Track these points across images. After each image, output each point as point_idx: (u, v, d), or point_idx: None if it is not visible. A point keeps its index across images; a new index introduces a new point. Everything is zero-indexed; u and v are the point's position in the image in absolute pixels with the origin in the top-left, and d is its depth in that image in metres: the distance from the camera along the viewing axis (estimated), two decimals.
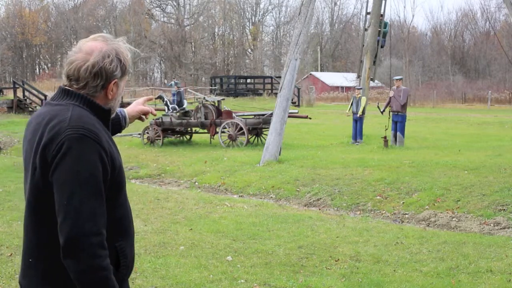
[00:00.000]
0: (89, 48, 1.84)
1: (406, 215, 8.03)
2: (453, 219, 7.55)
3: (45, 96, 26.18)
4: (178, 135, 16.69)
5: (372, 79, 16.78)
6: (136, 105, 2.44)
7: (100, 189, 1.74)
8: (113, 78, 1.87)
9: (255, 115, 16.18)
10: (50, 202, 1.74)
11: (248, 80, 47.99)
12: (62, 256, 1.70)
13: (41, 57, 67.35)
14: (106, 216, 1.77)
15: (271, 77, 43.54)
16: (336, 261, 5.44)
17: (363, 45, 16.86)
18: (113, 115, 1.99)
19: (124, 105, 33.68)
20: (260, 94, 41.07)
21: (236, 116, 15.69)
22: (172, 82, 30.82)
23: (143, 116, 2.45)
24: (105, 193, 1.78)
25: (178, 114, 16.44)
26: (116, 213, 1.88)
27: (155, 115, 2.48)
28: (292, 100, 23.18)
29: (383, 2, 16.16)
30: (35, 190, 1.79)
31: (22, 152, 1.91)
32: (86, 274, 1.69)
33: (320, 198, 9.12)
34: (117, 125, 2.34)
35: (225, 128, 15.01)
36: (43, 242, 1.81)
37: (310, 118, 16.36)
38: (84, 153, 1.72)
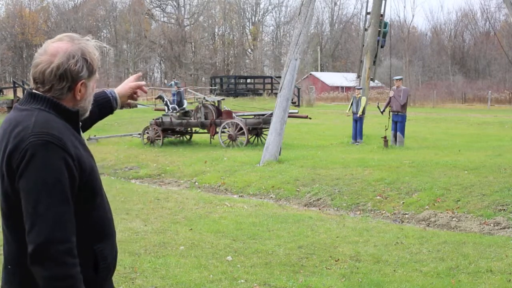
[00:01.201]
0: (54, 50, 1.80)
1: (406, 215, 8.02)
2: (453, 219, 7.54)
3: None
4: (178, 135, 16.69)
5: (372, 79, 16.78)
6: (127, 83, 2.36)
7: (67, 195, 1.71)
8: (79, 79, 1.82)
9: (255, 115, 16.18)
10: (21, 209, 1.72)
11: (248, 80, 47.97)
12: (30, 263, 1.68)
13: None
14: (74, 222, 1.73)
15: (271, 77, 43.51)
16: (336, 261, 5.44)
17: (363, 45, 16.86)
18: (85, 116, 1.94)
19: (124, 105, 33.60)
20: (260, 94, 41.05)
21: (236, 116, 15.69)
22: (172, 82, 30.83)
23: (135, 95, 2.35)
24: (74, 198, 1.75)
25: (178, 114, 16.43)
26: (93, 216, 1.86)
27: (146, 92, 2.39)
28: (292, 100, 23.16)
29: (383, 2, 16.16)
30: (6, 197, 1.77)
31: None
32: (53, 282, 1.67)
33: (320, 198, 9.12)
34: (108, 108, 2.27)
35: (225, 128, 15.01)
36: (19, 248, 1.78)
37: (310, 118, 16.35)
38: (48, 159, 1.69)
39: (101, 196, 1.91)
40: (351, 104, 15.65)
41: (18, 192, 1.72)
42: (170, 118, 15.92)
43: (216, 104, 16.09)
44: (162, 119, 15.93)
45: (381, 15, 16.26)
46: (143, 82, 2.37)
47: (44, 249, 1.66)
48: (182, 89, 25.16)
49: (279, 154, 11.78)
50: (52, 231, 1.66)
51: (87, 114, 1.95)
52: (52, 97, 1.81)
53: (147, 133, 15.90)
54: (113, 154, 14.43)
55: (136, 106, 31.80)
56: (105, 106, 2.24)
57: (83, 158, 1.81)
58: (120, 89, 2.33)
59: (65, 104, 1.84)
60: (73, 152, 1.76)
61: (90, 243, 1.82)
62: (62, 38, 1.85)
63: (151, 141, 15.73)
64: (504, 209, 7.50)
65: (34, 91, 1.84)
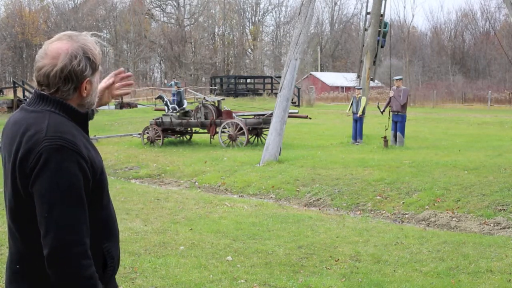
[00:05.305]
0: (55, 52, 1.79)
1: (406, 215, 8.02)
2: (453, 219, 7.55)
3: None
4: (178, 135, 16.69)
5: (372, 79, 16.77)
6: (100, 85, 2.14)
7: (81, 198, 1.73)
8: (84, 78, 1.82)
9: (255, 115, 16.18)
10: (33, 210, 1.73)
11: (248, 80, 47.98)
12: (47, 267, 1.70)
13: None
14: (88, 225, 1.75)
15: (271, 77, 43.52)
16: (336, 261, 5.44)
17: (363, 45, 16.85)
18: (93, 106, 1.94)
19: (124, 105, 33.39)
20: (260, 94, 41.07)
21: (236, 116, 15.69)
22: (172, 82, 30.84)
23: (117, 91, 2.16)
24: (88, 198, 1.76)
25: (178, 114, 16.43)
26: (101, 215, 1.88)
27: (130, 75, 2.22)
28: (292, 100, 23.17)
29: (383, 2, 16.16)
30: (17, 199, 1.77)
31: (1, 158, 1.88)
32: (71, 285, 1.70)
33: (320, 198, 9.12)
34: None
35: (225, 128, 15.02)
36: (29, 248, 1.80)
37: (310, 118, 16.36)
38: (63, 163, 1.70)
39: (107, 196, 1.94)
40: (351, 104, 15.65)
41: (30, 194, 1.73)
42: (170, 118, 15.92)
43: (216, 104, 16.08)
44: (162, 119, 15.92)
45: (381, 15, 16.25)
46: (120, 70, 2.22)
47: (60, 252, 1.68)
48: (182, 89, 25.18)
49: (279, 154, 11.78)
50: (67, 235, 1.68)
51: (94, 105, 1.96)
52: (61, 99, 1.82)
53: (147, 133, 15.90)
54: (113, 154, 14.44)
55: (136, 106, 31.84)
56: None
57: (95, 159, 1.83)
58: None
59: (73, 103, 1.85)
60: (86, 154, 1.77)
61: (99, 242, 1.84)
62: (61, 37, 1.84)
63: (151, 141, 15.73)
64: (504, 209, 7.50)
65: (42, 92, 1.84)
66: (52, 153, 1.69)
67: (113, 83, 2.17)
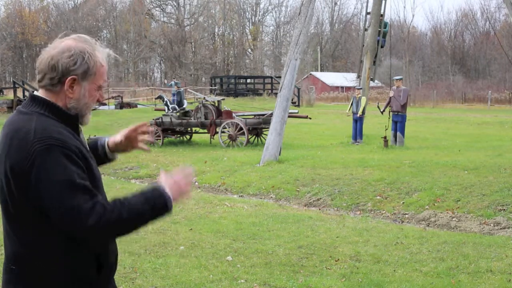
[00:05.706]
0: (57, 44, 1.84)
1: (406, 215, 8.02)
2: (453, 219, 7.54)
3: None
4: (178, 135, 16.69)
5: (372, 79, 16.77)
6: (124, 129, 2.30)
7: (84, 184, 1.74)
8: (69, 74, 1.81)
9: (255, 115, 16.19)
10: (28, 210, 1.74)
11: (248, 80, 48.02)
12: None
13: None
14: (102, 195, 1.80)
15: (271, 77, 43.55)
16: (336, 261, 5.44)
17: (363, 45, 16.86)
18: (85, 121, 1.93)
19: (124, 105, 33.28)
20: (260, 94, 41.09)
21: (236, 116, 15.69)
22: (172, 82, 30.86)
23: (140, 145, 2.28)
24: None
25: (178, 114, 16.44)
26: None
27: (151, 131, 2.29)
28: (292, 100, 23.17)
29: (383, 2, 16.16)
30: (11, 198, 1.77)
31: None
32: (128, 231, 1.83)
33: (320, 198, 9.11)
34: (96, 156, 2.15)
35: (225, 128, 15.02)
36: (24, 248, 1.80)
37: (310, 118, 16.36)
38: (55, 161, 1.71)
39: (103, 195, 1.93)
40: (351, 104, 15.65)
41: (25, 195, 1.73)
42: (170, 118, 15.92)
43: (216, 104, 16.09)
44: (162, 119, 15.92)
45: (381, 15, 16.26)
46: (143, 123, 2.31)
47: (95, 234, 1.75)
48: (182, 89, 25.20)
49: (279, 154, 11.78)
50: (89, 220, 1.71)
51: (87, 120, 1.93)
52: (49, 100, 1.83)
53: None
54: None
55: (136, 106, 31.84)
56: (94, 154, 2.11)
57: (86, 156, 1.84)
58: (111, 139, 2.31)
59: (60, 103, 1.85)
60: (75, 148, 1.78)
61: (93, 243, 1.85)
62: (75, 37, 1.88)
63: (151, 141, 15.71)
64: (504, 209, 7.50)
65: (35, 93, 1.87)
66: (43, 155, 1.71)
67: (130, 137, 2.30)
